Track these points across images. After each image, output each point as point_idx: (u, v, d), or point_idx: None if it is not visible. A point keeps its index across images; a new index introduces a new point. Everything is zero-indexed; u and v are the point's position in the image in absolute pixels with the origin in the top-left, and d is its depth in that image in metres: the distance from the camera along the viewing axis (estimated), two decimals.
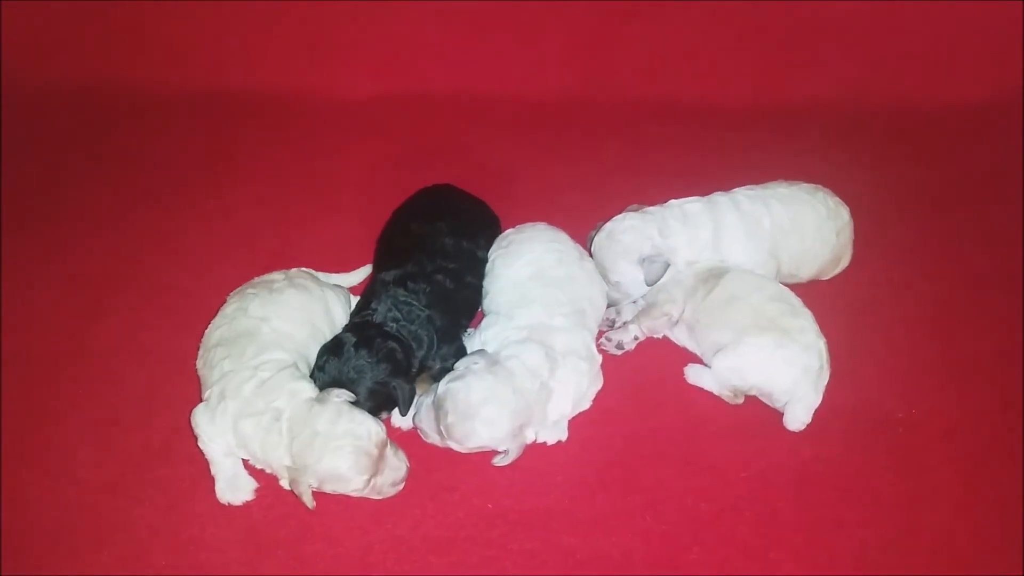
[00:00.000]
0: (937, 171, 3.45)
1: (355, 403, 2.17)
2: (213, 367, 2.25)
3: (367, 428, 2.06)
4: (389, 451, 2.12)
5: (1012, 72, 3.81)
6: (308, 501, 2.04)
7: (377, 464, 2.07)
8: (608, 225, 2.62)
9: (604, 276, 2.60)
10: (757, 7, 3.81)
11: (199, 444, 2.20)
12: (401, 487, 2.15)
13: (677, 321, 2.55)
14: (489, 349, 2.29)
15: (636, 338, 2.57)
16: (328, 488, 2.06)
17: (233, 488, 2.18)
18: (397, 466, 2.12)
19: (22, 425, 2.41)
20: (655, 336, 2.61)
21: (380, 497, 2.13)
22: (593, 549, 2.08)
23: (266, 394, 2.12)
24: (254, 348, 2.23)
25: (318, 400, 2.10)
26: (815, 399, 2.29)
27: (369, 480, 2.06)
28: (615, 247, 2.56)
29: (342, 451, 2.02)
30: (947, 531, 2.13)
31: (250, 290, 2.43)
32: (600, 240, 2.61)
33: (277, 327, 2.29)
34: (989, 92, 3.83)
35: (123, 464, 2.29)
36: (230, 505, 2.16)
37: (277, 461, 2.09)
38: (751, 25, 3.83)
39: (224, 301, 2.46)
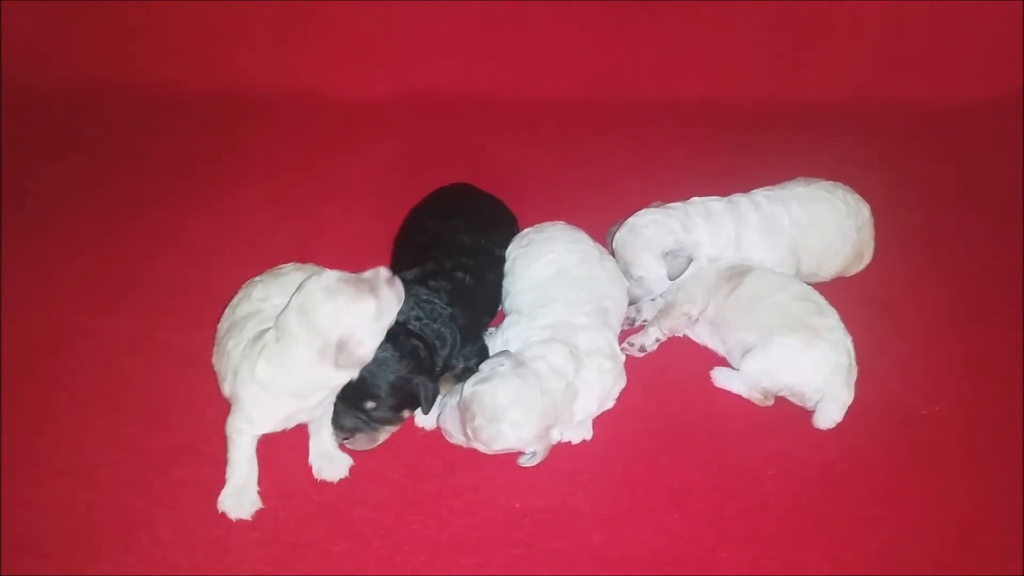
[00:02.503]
0: (955, 167, 3.48)
1: (377, 399, 2.15)
2: (223, 355, 2.20)
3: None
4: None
5: None
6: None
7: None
8: (630, 220, 2.61)
9: (626, 271, 2.59)
10: (768, 6, 3.82)
11: (229, 443, 2.14)
12: None
13: (697, 319, 2.54)
14: (512, 349, 2.27)
15: (658, 340, 2.56)
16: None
17: (236, 499, 2.12)
18: None
19: (39, 427, 2.37)
20: (676, 335, 2.60)
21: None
22: (620, 548, 2.06)
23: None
24: (254, 323, 2.17)
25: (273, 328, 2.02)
26: (848, 396, 2.29)
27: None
28: (637, 241, 2.55)
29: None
30: (972, 527, 2.13)
31: (257, 278, 2.40)
32: (622, 235, 2.60)
33: (279, 303, 2.16)
34: (1006, 88, 3.85)
35: (142, 465, 2.25)
36: (224, 515, 2.10)
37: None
38: (762, 24, 3.85)
39: None
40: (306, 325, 1.93)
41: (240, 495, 2.12)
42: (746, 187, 2.79)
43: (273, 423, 2.09)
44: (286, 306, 2.00)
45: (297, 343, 1.94)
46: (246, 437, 2.12)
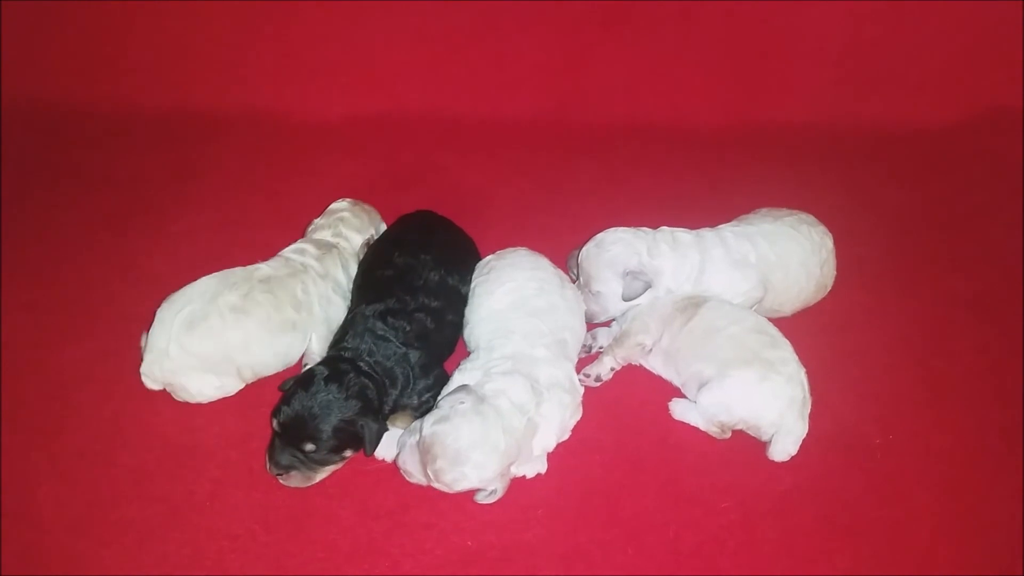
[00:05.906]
0: (912, 193, 3.51)
1: (317, 441, 2.12)
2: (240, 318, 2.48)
3: None
4: None
5: (985, 94, 3.89)
6: None
7: None
8: (599, 235, 2.62)
9: (587, 284, 2.59)
10: (732, 29, 3.84)
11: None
12: None
13: (651, 350, 2.53)
14: (472, 379, 2.23)
15: (612, 369, 2.55)
16: None
17: None
18: None
19: None
20: (632, 363, 2.59)
21: None
22: None
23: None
24: (272, 279, 2.59)
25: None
26: (802, 430, 2.29)
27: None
28: (603, 256, 2.56)
29: None
30: (928, 555, 2.13)
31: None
32: (589, 248, 2.61)
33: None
34: (963, 114, 3.92)
35: (88, 504, 2.19)
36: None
37: None
38: (727, 47, 3.87)
39: None
40: (360, 225, 2.83)
41: None
42: (709, 211, 2.81)
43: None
44: (317, 227, 2.87)
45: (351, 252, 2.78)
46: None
